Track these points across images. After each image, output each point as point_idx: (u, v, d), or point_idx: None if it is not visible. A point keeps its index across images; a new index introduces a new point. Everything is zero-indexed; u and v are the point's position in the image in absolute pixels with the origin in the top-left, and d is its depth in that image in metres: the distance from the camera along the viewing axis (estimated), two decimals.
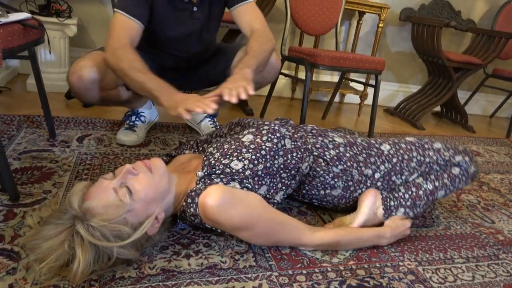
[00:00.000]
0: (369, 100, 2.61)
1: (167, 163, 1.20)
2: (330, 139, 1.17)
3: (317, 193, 1.17)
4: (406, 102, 2.92)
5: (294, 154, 1.06)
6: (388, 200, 1.17)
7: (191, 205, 0.93)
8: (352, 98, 3.11)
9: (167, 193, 0.95)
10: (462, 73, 2.71)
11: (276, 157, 1.02)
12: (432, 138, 1.27)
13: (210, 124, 1.77)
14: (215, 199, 0.89)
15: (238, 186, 0.95)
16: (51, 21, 2.01)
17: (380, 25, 2.72)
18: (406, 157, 1.20)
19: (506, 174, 1.98)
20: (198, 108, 1.08)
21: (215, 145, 1.06)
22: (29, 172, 1.24)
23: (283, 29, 2.29)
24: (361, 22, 2.80)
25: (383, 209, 1.16)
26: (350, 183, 1.16)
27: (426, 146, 1.23)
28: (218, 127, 1.21)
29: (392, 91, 3.25)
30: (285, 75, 2.37)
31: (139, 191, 0.87)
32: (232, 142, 1.03)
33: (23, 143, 1.44)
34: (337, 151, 1.14)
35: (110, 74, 1.40)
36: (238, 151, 0.99)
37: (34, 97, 1.92)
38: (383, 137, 1.38)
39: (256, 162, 0.98)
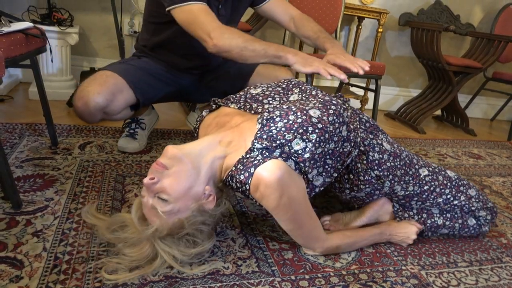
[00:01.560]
0: (370, 105, 2.61)
1: (213, 110, 1.17)
2: (379, 141, 1.10)
3: (341, 187, 1.12)
4: (406, 106, 2.93)
5: (345, 144, 1.00)
6: (398, 213, 1.19)
7: (243, 172, 0.90)
8: (353, 103, 3.11)
9: (198, 170, 0.91)
10: (462, 76, 2.71)
11: (330, 141, 0.95)
12: (471, 182, 1.24)
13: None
14: (273, 176, 0.86)
15: (293, 166, 0.91)
16: (52, 30, 2.02)
17: (379, 30, 2.74)
18: (437, 190, 1.16)
19: (508, 177, 1.98)
20: (342, 75, 1.21)
21: (278, 112, 0.96)
22: (31, 180, 1.25)
23: (283, 34, 2.31)
24: (360, 27, 2.82)
25: (397, 220, 1.19)
26: (377, 192, 1.12)
27: (461, 188, 1.19)
28: (271, 84, 1.17)
29: (393, 96, 3.25)
30: None
31: (170, 193, 0.87)
32: (299, 113, 0.93)
33: (25, 151, 1.45)
34: (380, 156, 1.08)
35: (116, 101, 1.38)
36: (304, 128, 0.90)
37: (36, 105, 1.93)
38: (428, 159, 1.36)
39: (317, 145, 0.91)
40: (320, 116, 0.93)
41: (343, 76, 1.19)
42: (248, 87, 1.19)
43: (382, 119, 2.93)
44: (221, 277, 0.92)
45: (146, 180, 0.86)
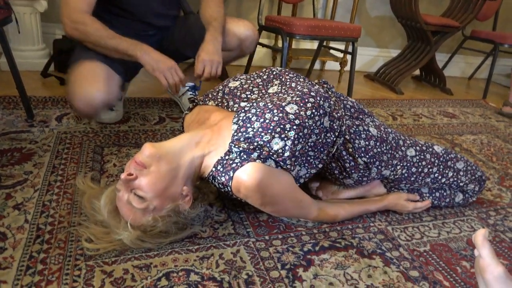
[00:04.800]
0: (349, 67, 2.62)
1: (190, 109, 1.17)
2: (365, 127, 1.09)
3: (331, 172, 1.13)
4: (386, 67, 2.95)
5: (328, 135, 1.00)
6: (390, 190, 1.23)
7: (223, 174, 0.93)
8: (332, 65, 3.12)
9: (177, 170, 0.92)
10: (440, 36, 2.73)
11: (312, 135, 0.96)
12: (459, 154, 1.23)
13: (191, 98, 1.77)
14: (252, 179, 0.89)
15: (273, 165, 0.92)
16: None
17: None
18: (426, 170, 1.16)
19: (478, 134, 2.06)
20: (175, 90, 1.40)
21: (254, 110, 0.96)
22: (9, 154, 1.25)
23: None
24: None
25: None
26: (365, 179, 1.13)
27: (449, 163, 1.18)
28: (251, 74, 1.17)
29: (373, 56, 3.26)
30: (263, 45, 2.36)
31: (146, 192, 0.87)
32: (275, 111, 0.92)
33: (1, 125, 1.44)
34: (367, 143, 1.06)
35: (112, 87, 1.36)
36: (282, 126, 0.90)
37: (9, 76, 1.88)
38: (415, 136, 1.36)
39: (296, 142, 0.91)
40: (297, 111, 0.92)
41: (176, 91, 1.43)
42: (228, 79, 1.18)
43: (362, 81, 2.96)
44: (198, 240, 0.98)
45: (123, 176, 0.86)
